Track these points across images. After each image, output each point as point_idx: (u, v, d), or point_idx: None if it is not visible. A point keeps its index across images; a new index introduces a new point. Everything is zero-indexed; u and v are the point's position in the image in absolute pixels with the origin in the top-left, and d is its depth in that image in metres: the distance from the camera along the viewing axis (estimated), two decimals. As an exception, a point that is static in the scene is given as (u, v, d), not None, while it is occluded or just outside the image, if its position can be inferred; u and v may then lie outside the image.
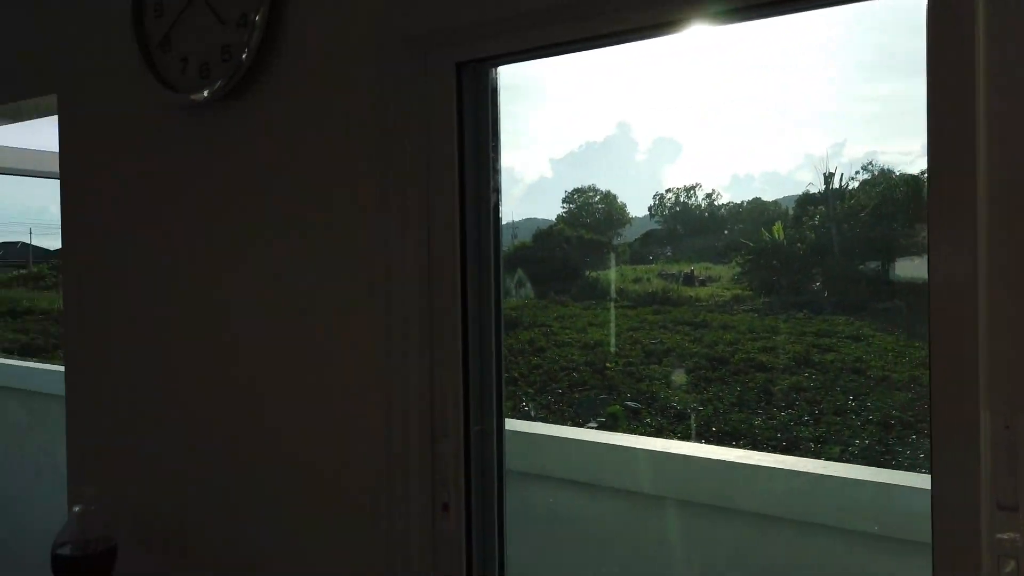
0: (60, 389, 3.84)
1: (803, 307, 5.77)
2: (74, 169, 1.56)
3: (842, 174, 5.67)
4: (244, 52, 1.24)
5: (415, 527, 1.14)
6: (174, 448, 1.41)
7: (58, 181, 2.35)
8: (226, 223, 1.33)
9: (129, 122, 1.46)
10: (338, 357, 1.19)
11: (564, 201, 6.69)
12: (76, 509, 1.12)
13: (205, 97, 1.31)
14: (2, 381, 4.05)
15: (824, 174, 5.74)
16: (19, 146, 2.15)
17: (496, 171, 1.13)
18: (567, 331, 5.90)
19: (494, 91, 1.13)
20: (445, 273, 1.12)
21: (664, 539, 1.97)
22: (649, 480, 2.05)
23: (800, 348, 5.43)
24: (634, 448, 2.23)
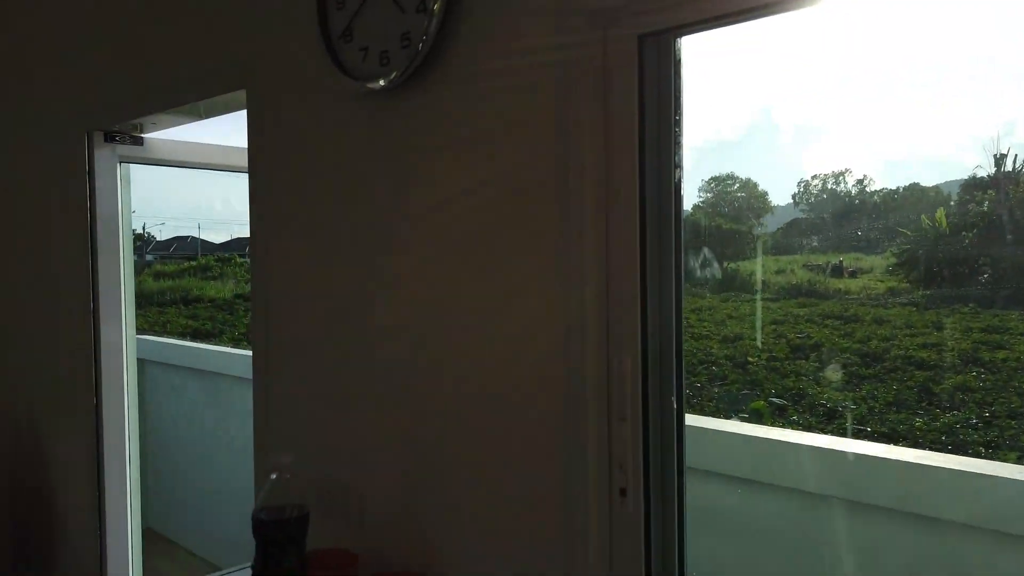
0: (230, 369, 4.15)
1: (969, 301, 5.30)
2: (261, 161, 1.66)
3: (1016, 155, 5.15)
4: (423, 39, 1.27)
5: (592, 511, 1.12)
6: (353, 422, 1.48)
7: (225, 175, 2.53)
8: (404, 204, 1.37)
9: (312, 113, 1.54)
10: (516, 334, 1.19)
11: (700, 190, 6.49)
12: (273, 476, 1.19)
13: (383, 85, 1.35)
14: (182, 362, 4.43)
15: (995, 156, 5.23)
16: (191, 141, 2.33)
17: (678, 145, 1.09)
18: (704, 324, 5.74)
19: (677, 63, 1.09)
20: (624, 252, 1.10)
21: (838, 542, 1.86)
22: (819, 478, 1.94)
23: (967, 345, 5.00)
24: (796, 444, 2.13)
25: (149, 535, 4.41)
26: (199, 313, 7.38)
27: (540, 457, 1.18)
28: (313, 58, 1.49)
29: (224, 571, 1.49)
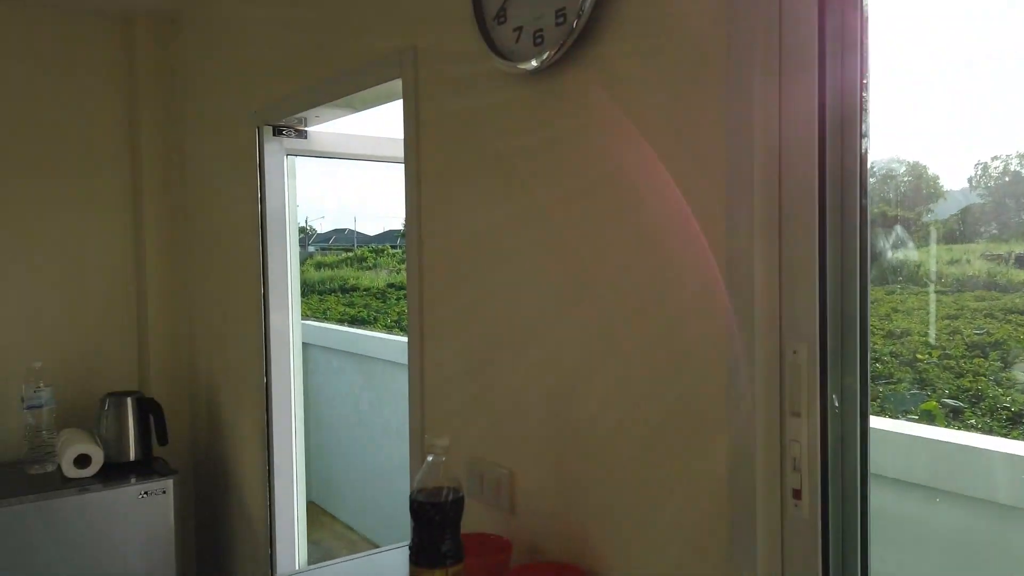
0: (384, 354, 4.31)
1: None
2: (414, 150, 1.69)
3: None
4: (577, 15, 1.23)
5: (761, 514, 1.04)
6: (505, 408, 1.47)
7: (380, 167, 2.62)
8: (557, 189, 1.33)
9: (464, 99, 1.54)
10: (675, 316, 1.13)
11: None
12: (430, 459, 1.20)
13: (535, 66, 1.33)
14: (341, 346, 4.67)
15: None
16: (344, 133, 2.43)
17: (864, 111, 0.98)
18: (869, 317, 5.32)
19: (864, 20, 0.98)
20: (801, 226, 1.00)
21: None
22: (1015, 488, 1.72)
23: None
24: (982, 449, 1.91)
25: (311, 508, 4.70)
26: (355, 301, 7.77)
27: (702, 452, 1.11)
28: (466, 43, 1.48)
29: (382, 548, 1.53)
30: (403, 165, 1.74)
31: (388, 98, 1.94)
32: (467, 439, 1.57)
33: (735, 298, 1.05)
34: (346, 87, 1.91)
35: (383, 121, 2.31)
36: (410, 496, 1.20)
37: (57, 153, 2.84)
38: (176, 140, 2.98)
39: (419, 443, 1.72)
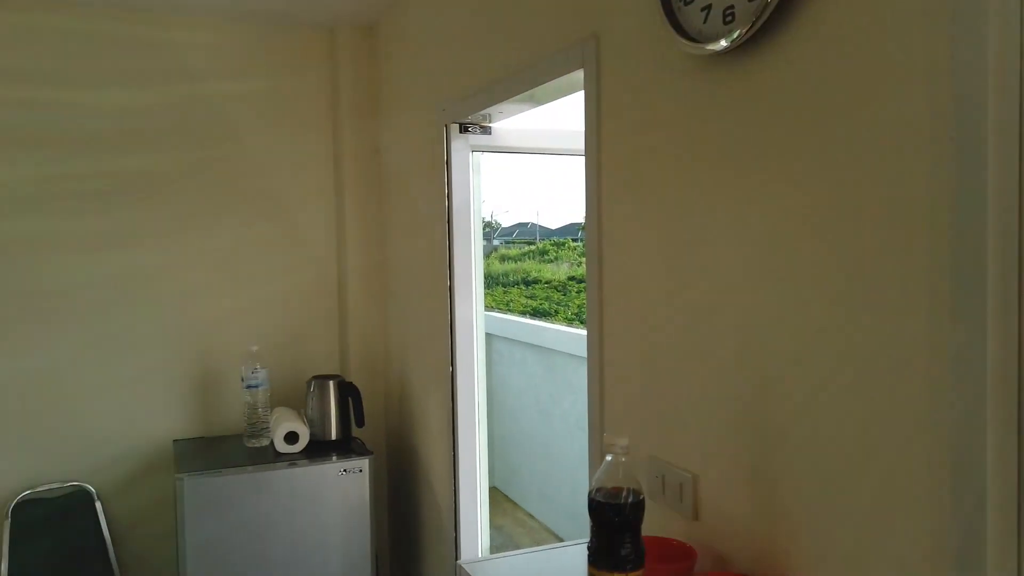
0: (564, 346, 4.32)
1: None
2: (595, 142, 1.66)
3: None
4: (772, -13, 1.13)
5: (994, 541, 0.90)
6: (690, 407, 1.40)
7: (561, 161, 2.61)
8: (746, 182, 1.25)
9: (647, 87, 1.49)
10: (876, 304, 1.01)
11: None
12: (609, 458, 1.17)
13: (724, 46, 1.24)
14: (522, 337, 4.76)
15: None
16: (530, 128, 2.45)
17: None
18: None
19: None
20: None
21: None
22: None
23: None
24: None
25: (494, 494, 4.86)
26: (537, 293, 7.91)
27: (923, 462, 0.98)
28: (650, 27, 1.43)
29: (563, 544, 1.52)
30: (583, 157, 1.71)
31: (569, 90, 1.92)
32: (647, 438, 1.52)
33: (957, 279, 0.92)
34: (527, 82, 1.92)
35: (564, 114, 2.31)
36: (588, 495, 1.18)
37: (273, 155, 3.13)
38: (373, 141, 3.17)
39: (598, 439, 1.69)
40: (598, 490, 1.17)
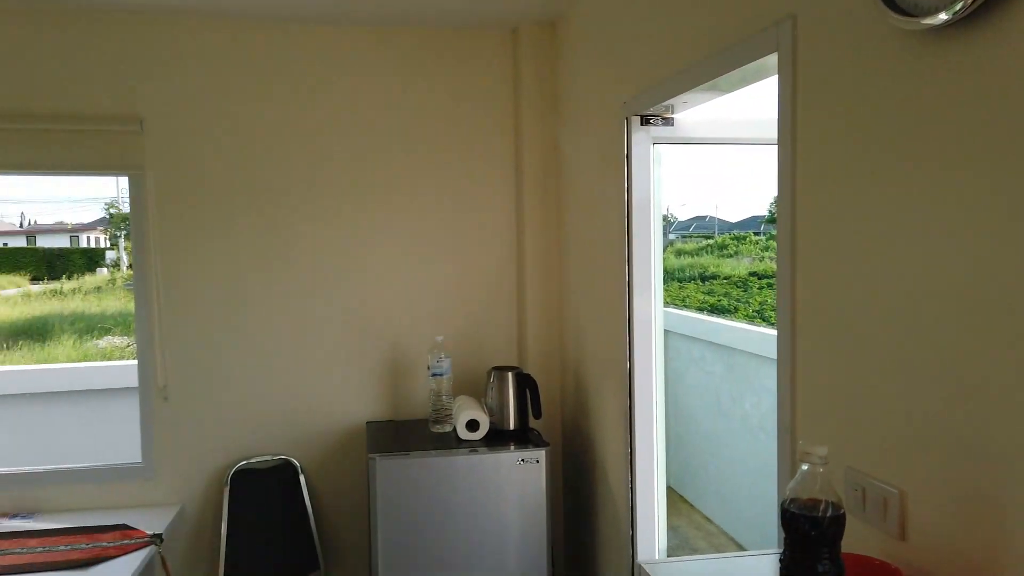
0: (746, 345, 4.14)
1: None
2: (790, 130, 1.56)
3: None
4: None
5: None
6: (895, 416, 1.28)
7: (741, 152, 2.48)
8: (962, 164, 1.11)
9: (851, 67, 1.37)
10: None
11: None
12: (805, 468, 1.10)
13: (944, 20, 1.12)
14: (700, 334, 4.62)
15: None
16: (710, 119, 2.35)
17: None
18: None
19: None
20: None
21: None
22: None
23: None
24: None
25: (669, 493, 4.75)
26: (715, 289, 7.65)
27: None
28: (854, 2, 1.31)
29: (750, 552, 1.45)
30: (773, 147, 1.62)
31: (758, 76, 1.83)
32: (843, 447, 1.41)
33: None
34: (715, 69, 1.85)
35: (744, 103, 2.20)
36: (781, 505, 1.11)
37: (457, 154, 3.26)
38: (552, 136, 3.20)
39: (787, 445, 1.60)
40: (792, 501, 1.10)
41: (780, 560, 1.11)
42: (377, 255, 3.22)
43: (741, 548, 4.01)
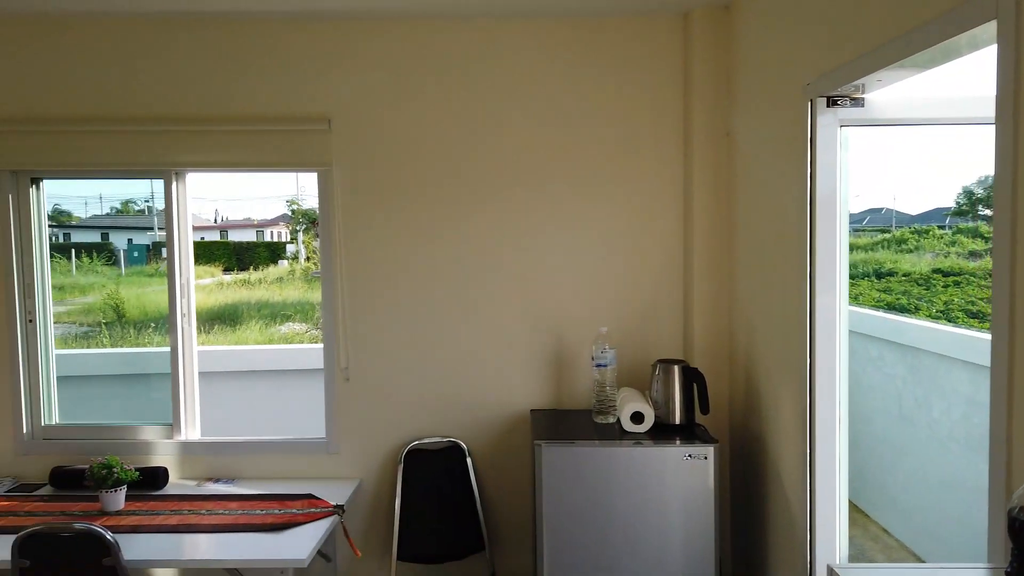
0: (933, 346, 3.81)
1: None
2: (1015, 104, 1.41)
3: None
4: None
5: None
6: None
7: (919, 132, 2.26)
8: None
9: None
10: None
11: None
12: (1038, 474, 1.00)
13: None
14: (878, 333, 4.31)
15: None
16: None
17: None
18: None
19: None
20: None
21: None
22: None
23: None
24: None
25: (842, 502, 4.47)
26: (892, 287, 7.09)
27: None
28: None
29: (960, 565, 1.34)
30: (977, 127, 1.47)
31: (968, 49, 1.66)
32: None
33: None
34: (917, 43, 1.70)
35: (943, 79, 2.01)
36: (1009, 513, 1.01)
37: (624, 142, 3.24)
38: (723, 124, 3.10)
39: (1000, 456, 1.45)
40: (1022, 509, 1.00)
41: (1007, 573, 1.01)
42: (545, 247, 3.27)
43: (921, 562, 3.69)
